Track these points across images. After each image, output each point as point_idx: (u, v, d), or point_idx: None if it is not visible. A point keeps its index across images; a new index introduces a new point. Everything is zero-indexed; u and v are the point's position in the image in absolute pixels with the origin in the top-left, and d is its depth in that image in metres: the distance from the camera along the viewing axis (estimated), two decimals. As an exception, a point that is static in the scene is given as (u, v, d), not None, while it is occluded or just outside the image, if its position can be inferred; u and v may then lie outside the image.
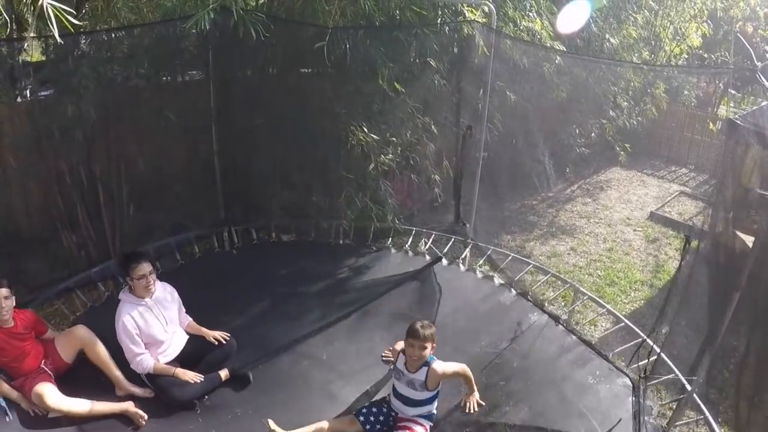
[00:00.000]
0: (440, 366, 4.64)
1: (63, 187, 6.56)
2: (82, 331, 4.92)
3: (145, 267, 4.85)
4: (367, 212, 7.23)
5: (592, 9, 9.68)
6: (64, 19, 3.79)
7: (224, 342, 5.23)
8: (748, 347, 6.65)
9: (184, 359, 5.07)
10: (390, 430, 4.72)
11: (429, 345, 4.53)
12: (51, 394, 4.44)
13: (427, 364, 4.59)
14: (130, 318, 4.78)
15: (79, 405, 4.50)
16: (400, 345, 4.86)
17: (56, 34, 3.79)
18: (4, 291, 4.54)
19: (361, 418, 4.69)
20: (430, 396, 4.66)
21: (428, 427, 4.73)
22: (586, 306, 7.32)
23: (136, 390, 4.89)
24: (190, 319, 5.37)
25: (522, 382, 5.34)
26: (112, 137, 6.72)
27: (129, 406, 4.62)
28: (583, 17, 9.49)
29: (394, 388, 4.79)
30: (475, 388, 5.03)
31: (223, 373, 5.07)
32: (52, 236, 6.71)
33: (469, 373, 4.90)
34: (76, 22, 3.85)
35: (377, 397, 5.03)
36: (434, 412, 4.78)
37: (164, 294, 5.12)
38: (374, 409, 4.77)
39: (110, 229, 6.95)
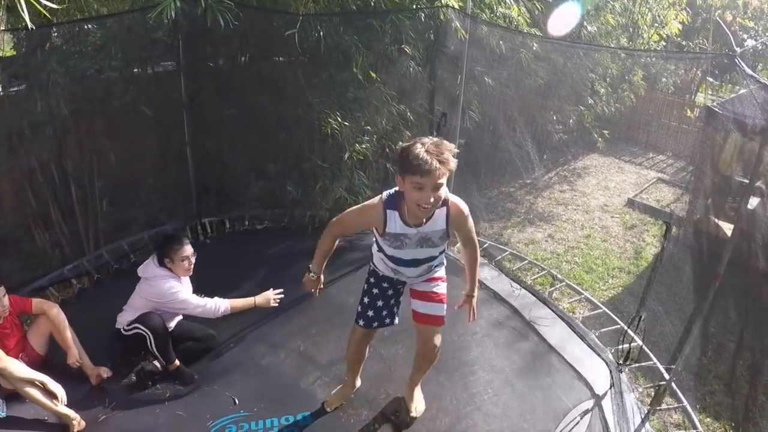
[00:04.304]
0: (459, 200, 3.42)
1: (35, 185, 6.45)
2: (55, 311, 4.82)
3: (188, 249, 4.97)
4: (342, 202, 7.16)
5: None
6: (37, 5, 3.67)
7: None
8: (737, 336, 6.71)
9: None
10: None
11: (449, 175, 3.10)
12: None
13: (441, 203, 3.24)
14: (178, 284, 4.91)
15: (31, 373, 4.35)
16: (374, 201, 3.49)
17: (28, 22, 3.67)
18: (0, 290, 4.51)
19: (375, 324, 3.97)
20: (445, 245, 3.61)
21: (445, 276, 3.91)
22: (563, 293, 7.31)
23: (103, 370, 4.85)
24: None
25: (500, 365, 5.31)
26: (83, 132, 6.61)
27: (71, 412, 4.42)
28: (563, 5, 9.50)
29: (391, 259, 3.62)
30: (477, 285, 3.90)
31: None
32: (25, 235, 6.61)
33: (478, 254, 3.77)
34: (52, 5, 3.73)
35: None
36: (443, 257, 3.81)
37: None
38: (380, 303, 3.92)
39: (84, 225, 6.85)
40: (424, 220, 3.32)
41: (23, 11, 3.50)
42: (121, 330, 4.86)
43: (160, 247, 4.96)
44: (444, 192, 3.17)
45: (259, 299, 5.12)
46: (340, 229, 3.74)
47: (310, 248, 6.61)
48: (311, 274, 3.92)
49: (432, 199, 3.06)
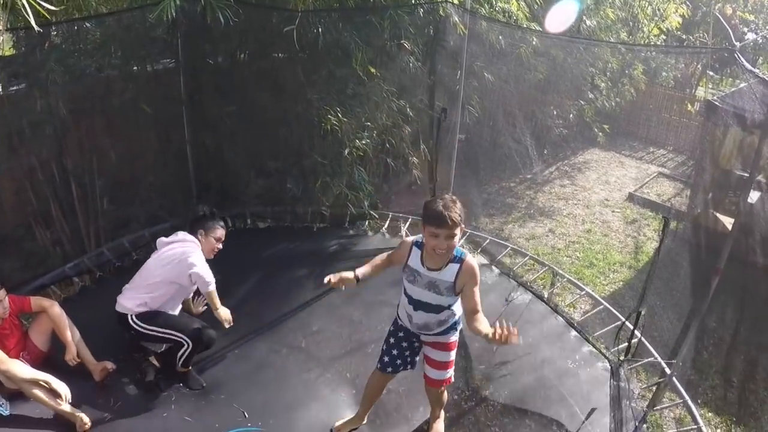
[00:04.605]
0: (475, 263, 3.69)
1: (36, 183, 6.46)
2: (56, 309, 4.79)
3: (224, 234, 5.00)
4: (342, 198, 7.17)
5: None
6: (39, 8, 3.68)
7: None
8: (736, 330, 6.72)
9: None
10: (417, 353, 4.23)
11: (459, 231, 3.49)
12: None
13: (457, 259, 3.63)
14: (200, 253, 4.83)
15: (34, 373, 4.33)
16: (409, 238, 3.92)
17: (33, 24, 3.67)
18: (1, 293, 4.48)
19: (389, 369, 4.19)
20: (455, 300, 3.81)
21: (456, 343, 4.11)
22: (565, 288, 7.31)
23: (107, 364, 4.84)
24: None
25: (502, 362, 5.32)
26: (83, 130, 6.62)
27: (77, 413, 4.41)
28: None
29: (406, 295, 3.92)
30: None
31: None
32: (26, 234, 6.62)
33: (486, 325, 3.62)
34: (51, 7, 3.74)
35: (355, 383, 4.89)
36: (459, 320, 4.00)
37: None
38: (395, 352, 4.15)
39: (85, 223, 6.86)
40: (438, 268, 3.67)
41: (28, 14, 3.50)
42: (131, 320, 4.70)
43: (198, 219, 4.94)
44: (456, 243, 3.57)
45: (222, 311, 4.85)
46: (393, 256, 4.01)
47: (312, 249, 6.65)
48: (350, 275, 3.94)
49: (445, 246, 3.50)
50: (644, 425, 4.85)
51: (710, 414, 6.08)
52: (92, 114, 6.64)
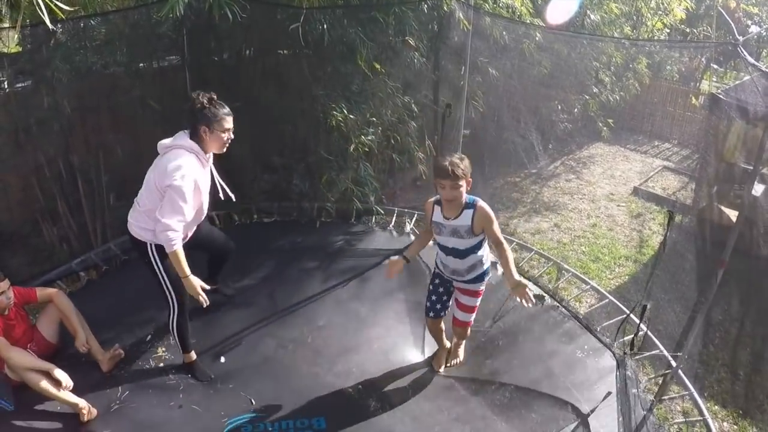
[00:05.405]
0: (487, 207, 4.25)
1: (42, 180, 6.49)
2: (62, 297, 4.86)
3: (231, 122, 4.29)
4: (348, 194, 7.19)
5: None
6: (53, 7, 3.70)
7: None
8: (742, 323, 6.72)
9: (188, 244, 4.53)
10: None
11: (463, 183, 4.09)
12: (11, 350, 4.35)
13: (470, 205, 4.22)
14: (195, 168, 4.20)
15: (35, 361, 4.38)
16: (430, 200, 4.48)
17: (47, 22, 3.69)
18: (4, 284, 4.50)
19: (431, 314, 4.86)
20: (480, 241, 4.37)
21: (483, 291, 4.73)
22: (571, 283, 7.33)
23: (117, 350, 4.88)
24: None
25: (508, 357, 5.34)
26: (89, 127, 6.65)
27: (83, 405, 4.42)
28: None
29: (439, 247, 4.51)
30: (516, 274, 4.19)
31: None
32: (33, 230, 6.65)
33: (509, 253, 4.21)
34: (66, 7, 3.77)
35: (362, 379, 4.93)
36: (488, 270, 4.61)
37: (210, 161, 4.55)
38: (434, 297, 4.81)
39: (91, 219, 6.89)
40: (455, 216, 4.25)
41: (43, 13, 3.53)
42: (150, 249, 4.36)
43: (196, 113, 4.19)
44: (463, 193, 4.14)
45: (193, 278, 4.29)
46: (425, 221, 4.62)
47: (318, 243, 6.66)
48: (398, 257, 4.56)
49: (452, 194, 4.10)
50: (651, 418, 4.85)
51: (716, 407, 6.09)
52: (98, 111, 6.67)
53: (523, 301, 4.06)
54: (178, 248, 4.15)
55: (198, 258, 4.90)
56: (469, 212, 4.22)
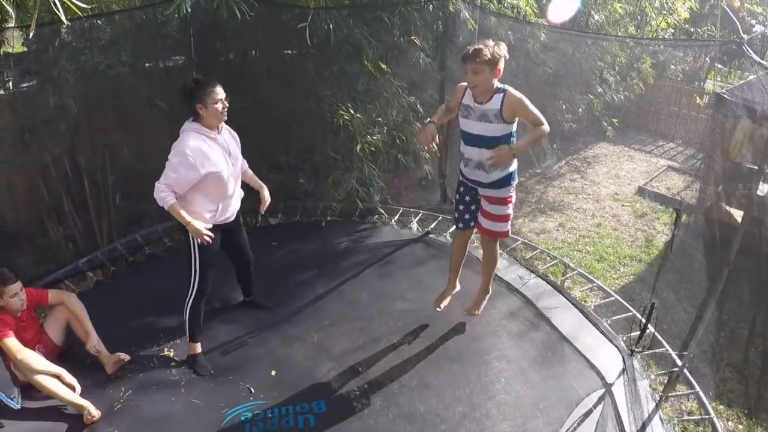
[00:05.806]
0: (518, 94, 4.31)
1: (48, 179, 6.51)
2: (73, 300, 4.89)
3: (221, 92, 4.47)
4: (354, 194, 7.20)
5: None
6: (71, 5, 3.74)
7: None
8: (749, 323, 6.71)
9: None
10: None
11: (486, 67, 4.12)
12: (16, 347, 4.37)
13: (500, 90, 4.30)
14: (195, 143, 4.40)
15: (47, 365, 4.42)
16: (462, 84, 4.53)
17: (63, 18, 3.73)
18: (17, 285, 4.51)
19: (460, 225, 4.96)
20: (508, 132, 4.38)
21: (512, 198, 4.73)
22: (576, 282, 7.32)
23: (122, 355, 4.89)
24: (248, 168, 5.23)
25: (513, 353, 5.33)
26: (95, 126, 6.66)
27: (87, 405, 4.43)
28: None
29: (463, 138, 4.55)
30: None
31: None
32: (39, 229, 6.66)
33: (543, 133, 4.39)
34: (83, 5, 3.80)
35: (367, 379, 4.91)
36: (514, 175, 4.63)
37: (230, 136, 4.80)
38: (461, 207, 4.90)
39: (97, 219, 6.91)
40: (486, 100, 4.30)
41: (58, 10, 3.55)
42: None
43: (190, 95, 4.42)
44: (490, 78, 4.20)
45: (195, 222, 4.47)
46: (451, 101, 4.67)
47: (324, 242, 6.67)
48: (429, 122, 4.61)
49: (473, 79, 4.18)
50: (656, 417, 4.86)
51: (722, 407, 6.08)
52: (104, 110, 6.68)
53: (489, 163, 4.32)
54: (172, 202, 4.44)
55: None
56: (499, 96, 4.28)
